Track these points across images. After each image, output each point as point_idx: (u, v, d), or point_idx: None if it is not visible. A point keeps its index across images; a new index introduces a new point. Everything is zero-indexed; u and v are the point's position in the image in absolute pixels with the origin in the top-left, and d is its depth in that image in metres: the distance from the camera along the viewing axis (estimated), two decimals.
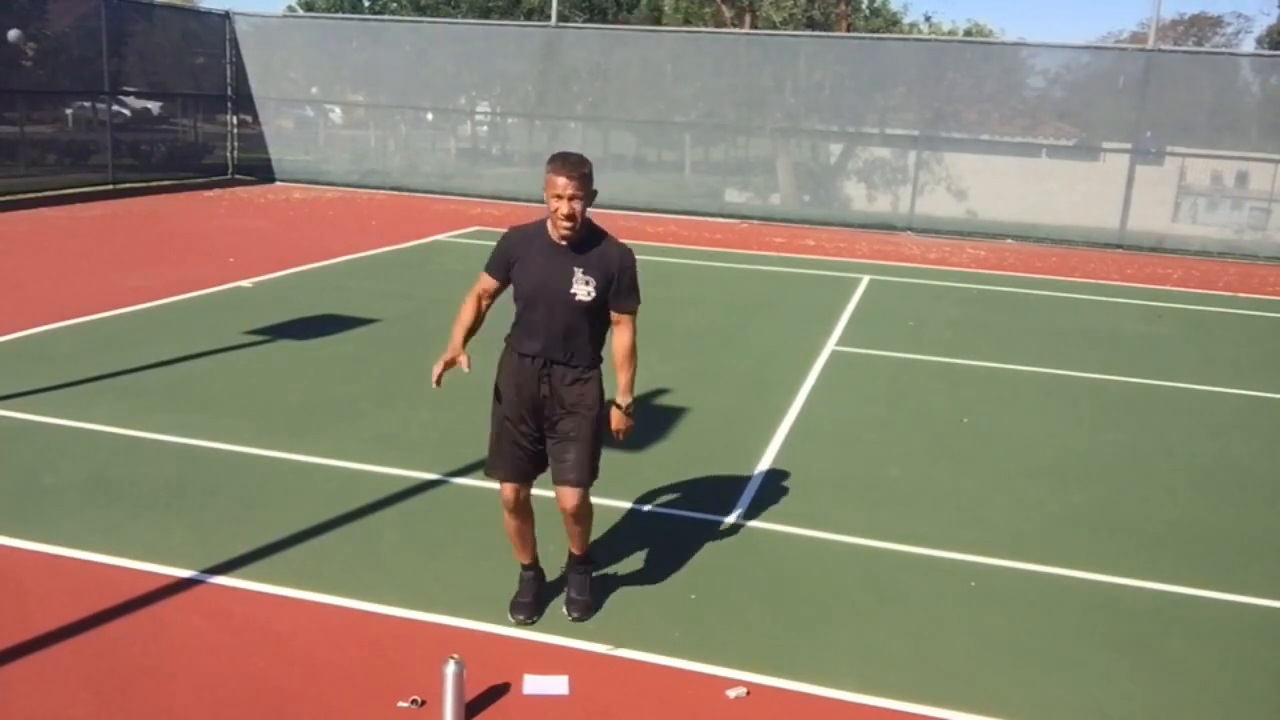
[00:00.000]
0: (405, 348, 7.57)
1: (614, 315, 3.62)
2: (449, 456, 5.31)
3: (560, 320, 3.52)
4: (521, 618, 3.72)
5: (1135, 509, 5.20)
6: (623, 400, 3.68)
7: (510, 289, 3.65)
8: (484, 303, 3.69)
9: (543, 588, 3.87)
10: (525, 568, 3.86)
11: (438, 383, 3.57)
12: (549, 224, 3.54)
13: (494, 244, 3.73)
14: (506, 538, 3.84)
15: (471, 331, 3.66)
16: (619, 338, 3.65)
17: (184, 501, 4.63)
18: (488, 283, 3.67)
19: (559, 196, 3.43)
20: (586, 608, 3.80)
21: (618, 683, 3.41)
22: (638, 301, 3.64)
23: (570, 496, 3.63)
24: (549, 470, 3.69)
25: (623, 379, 3.68)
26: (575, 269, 3.50)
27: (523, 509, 3.74)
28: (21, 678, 3.25)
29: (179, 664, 3.37)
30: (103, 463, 5.04)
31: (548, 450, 3.65)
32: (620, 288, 3.56)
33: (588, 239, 3.54)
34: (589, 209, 3.51)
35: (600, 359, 3.66)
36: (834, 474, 5.43)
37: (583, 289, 3.50)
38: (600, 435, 3.65)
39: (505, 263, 3.61)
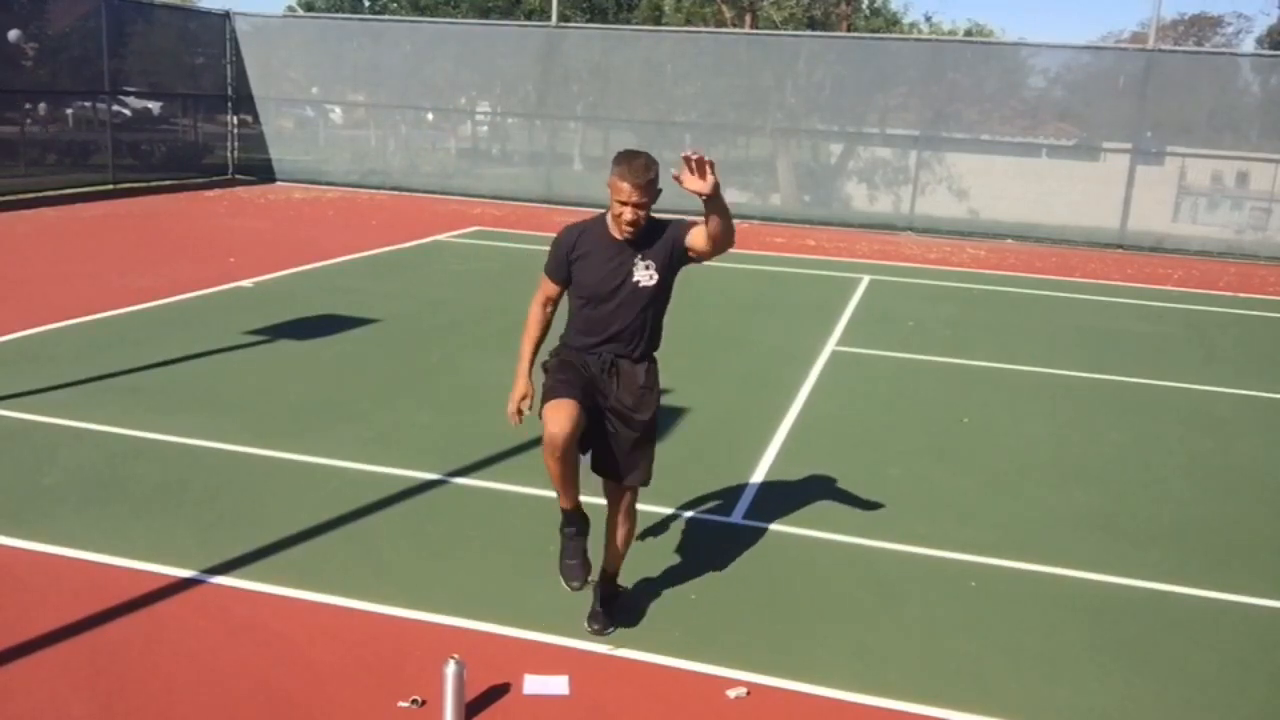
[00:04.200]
0: (405, 348, 7.57)
1: (693, 236, 3.45)
2: (449, 456, 5.31)
3: (626, 312, 3.49)
4: (577, 584, 3.54)
5: (1135, 509, 5.20)
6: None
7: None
8: (549, 309, 3.64)
9: (588, 543, 3.61)
10: (568, 514, 3.54)
11: (519, 420, 3.55)
12: (609, 219, 3.49)
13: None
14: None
15: (540, 343, 3.64)
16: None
17: (184, 501, 4.64)
18: (550, 288, 3.61)
19: (624, 202, 3.38)
20: (609, 622, 3.71)
21: (618, 683, 3.41)
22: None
23: (629, 495, 3.64)
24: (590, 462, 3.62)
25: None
26: (636, 258, 3.48)
27: (570, 452, 3.36)
28: (21, 678, 3.25)
29: (179, 664, 3.37)
30: (103, 463, 5.04)
31: (607, 440, 3.56)
32: (680, 236, 3.48)
33: (647, 232, 3.49)
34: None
35: (658, 346, 3.64)
36: (834, 474, 5.43)
37: (645, 274, 3.47)
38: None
39: (565, 263, 3.55)
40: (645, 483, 3.67)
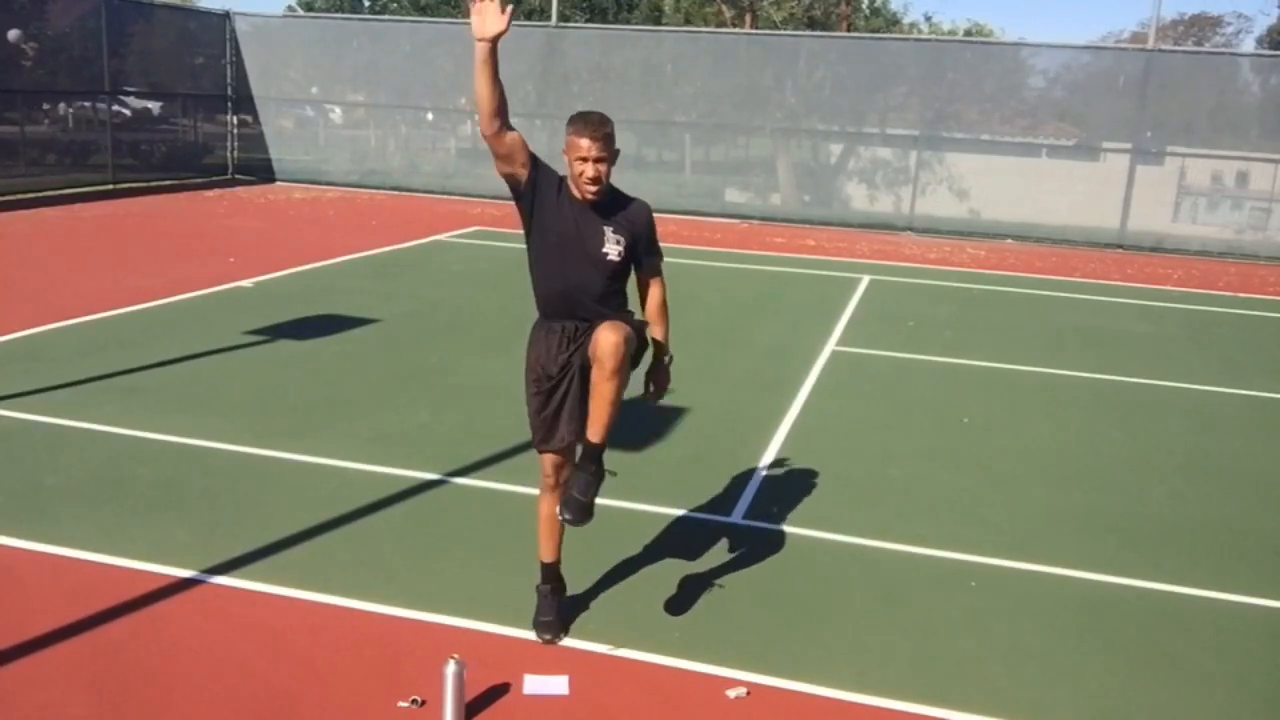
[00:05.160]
0: (405, 348, 7.57)
1: (643, 276, 3.57)
2: (449, 456, 5.31)
3: (589, 279, 3.41)
4: (549, 637, 3.61)
5: (1135, 509, 5.20)
6: (662, 355, 3.63)
7: (527, 248, 3.48)
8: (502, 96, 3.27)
9: (563, 601, 3.75)
10: (546, 569, 3.68)
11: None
12: (570, 183, 3.42)
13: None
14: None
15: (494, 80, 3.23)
16: (652, 295, 3.61)
17: (184, 501, 4.64)
18: (513, 134, 3.33)
19: (583, 159, 3.31)
20: (586, 510, 3.38)
21: (618, 683, 3.41)
22: (661, 257, 3.62)
23: (607, 337, 3.18)
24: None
25: (659, 333, 3.63)
26: (605, 228, 3.41)
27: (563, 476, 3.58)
28: (21, 678, 3.25)
29: (179, 664, 3.37)
30: (103, 463, 5.04)
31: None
32: (647, 245, 3.52)
33: (611, 198, 3.45)
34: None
35: (626, 304, 3.56)
36: (834, 474, 5.43)
37: (614, 249, 3.42)
38: (639, 328, 3.42)
39: (533, 172, 3.37)
40: (623, 333, 3.22)
